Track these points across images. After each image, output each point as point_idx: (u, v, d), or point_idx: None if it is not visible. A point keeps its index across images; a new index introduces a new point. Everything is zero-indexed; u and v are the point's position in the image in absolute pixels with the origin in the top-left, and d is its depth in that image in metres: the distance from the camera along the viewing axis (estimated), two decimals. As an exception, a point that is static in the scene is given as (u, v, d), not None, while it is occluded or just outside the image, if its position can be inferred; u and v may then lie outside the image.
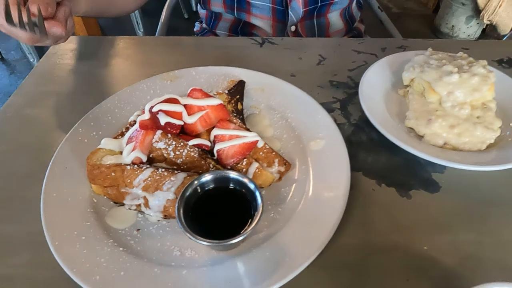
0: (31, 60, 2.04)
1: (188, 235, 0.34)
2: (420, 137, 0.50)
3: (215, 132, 0.42)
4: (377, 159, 0.50)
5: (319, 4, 0.90)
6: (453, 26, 2.51)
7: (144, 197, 0.41)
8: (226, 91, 0.50)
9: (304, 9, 0.89)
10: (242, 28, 0.96)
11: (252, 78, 0.56)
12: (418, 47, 0.66)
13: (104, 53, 0.69)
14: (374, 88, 0.57)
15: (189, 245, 0.39)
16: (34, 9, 0.42)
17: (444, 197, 0.46)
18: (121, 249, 0.38)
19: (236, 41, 0.71)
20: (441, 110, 0.50)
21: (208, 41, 0.70)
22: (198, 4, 0.99)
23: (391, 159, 0.50)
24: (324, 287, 0.38)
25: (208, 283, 0.36)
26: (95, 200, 0.43)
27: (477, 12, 2.33)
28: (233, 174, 0.38)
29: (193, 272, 0.37)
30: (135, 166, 0.41)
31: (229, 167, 0.43)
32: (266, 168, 0.45)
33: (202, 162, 0.42)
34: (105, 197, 0.43)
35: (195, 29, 1.12)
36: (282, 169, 0.45)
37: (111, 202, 0.43)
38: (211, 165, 0.42)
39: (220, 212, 0.39)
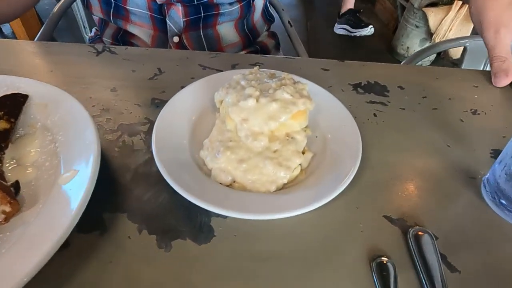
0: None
1: None
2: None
3: None
4: (156, 197, 0.41)
5: (202, 15, 0.82)
6: (408, 47, 2.51)
7: None
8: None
9: (185, 19, 0.81)
10: (122, 37, 0.87)
11: (39, 91, 0.47)
12: (274, 66, 0.59)
13: None
14: (186, 109, 0.48)
15: None
16: None
17: (211, 250, 0.37)
18: None
19: (72, 48, 0.62)
20: (236, 140, 0.42)
21: (39, 47, 0.61)
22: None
23: (173, 198, 0.41)
24: None
25: None
26: None
27: (429, 35, 2.33)
28: None
29: None
30: None
31: None
32: (-18, 207, 0.35)
33: None
34: None
35: (89, 35, 1.03)
36: (7, 208, 0.36)
37: None
38: None
39: None
